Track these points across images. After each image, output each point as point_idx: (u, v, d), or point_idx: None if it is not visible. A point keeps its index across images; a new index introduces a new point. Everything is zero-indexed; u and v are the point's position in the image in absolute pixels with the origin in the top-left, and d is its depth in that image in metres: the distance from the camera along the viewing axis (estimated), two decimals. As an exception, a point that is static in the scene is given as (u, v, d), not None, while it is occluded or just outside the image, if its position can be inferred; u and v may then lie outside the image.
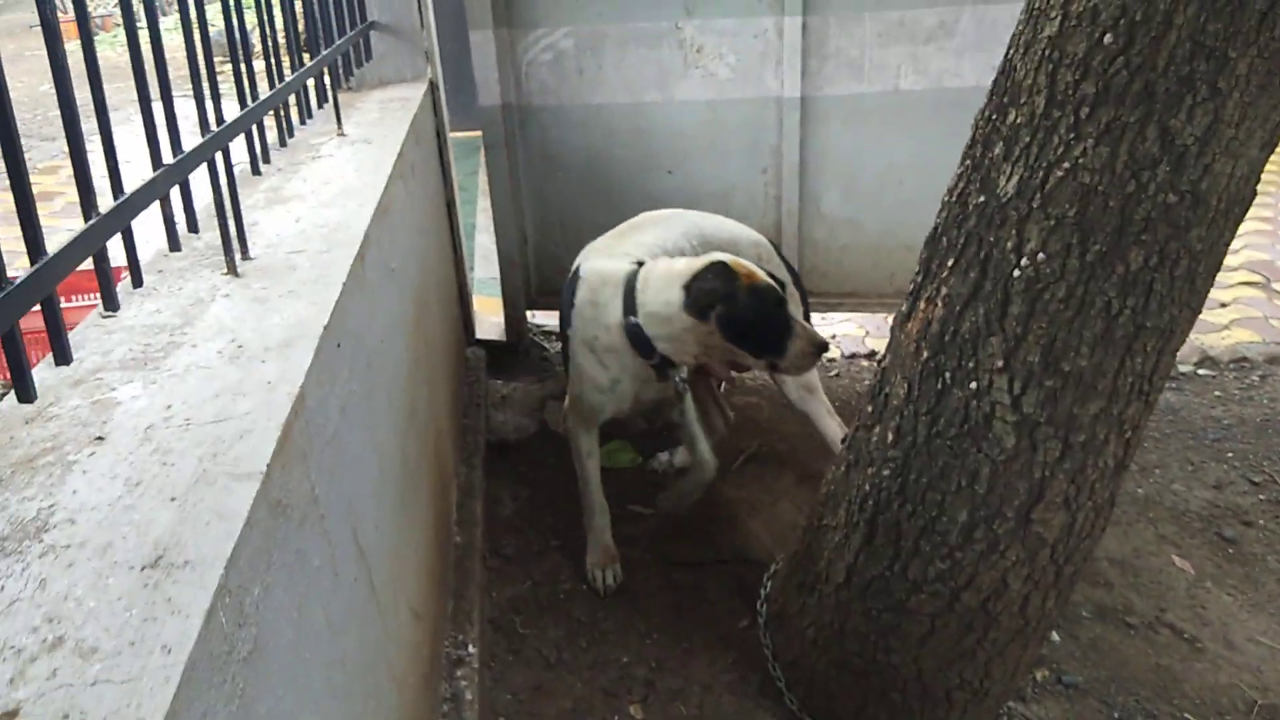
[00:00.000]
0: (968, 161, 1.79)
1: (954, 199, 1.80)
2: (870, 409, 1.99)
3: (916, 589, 1.90)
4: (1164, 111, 1.51)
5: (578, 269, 2.73)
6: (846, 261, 3.76)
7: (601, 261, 2.69)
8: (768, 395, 3.62)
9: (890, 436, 1.90)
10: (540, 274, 3.99)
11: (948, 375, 1.78)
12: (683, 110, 3.67)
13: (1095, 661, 2.45)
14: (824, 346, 2.43)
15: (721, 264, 2.43)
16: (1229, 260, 5.07)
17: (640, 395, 2.69)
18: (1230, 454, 3.38)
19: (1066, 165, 1.59)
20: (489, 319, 4.20)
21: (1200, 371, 3.97)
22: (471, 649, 2.22)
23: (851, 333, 4.53)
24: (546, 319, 4.31)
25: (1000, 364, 1.70)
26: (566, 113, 3.70)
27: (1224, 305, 4.61)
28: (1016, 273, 1.67)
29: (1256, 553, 2.86)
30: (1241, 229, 5.27)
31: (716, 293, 2.38)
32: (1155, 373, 1.68)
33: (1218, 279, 4.82)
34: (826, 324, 4.60)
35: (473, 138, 4.64)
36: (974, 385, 1.74)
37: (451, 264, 3.53)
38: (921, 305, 1.86)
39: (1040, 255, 1.64)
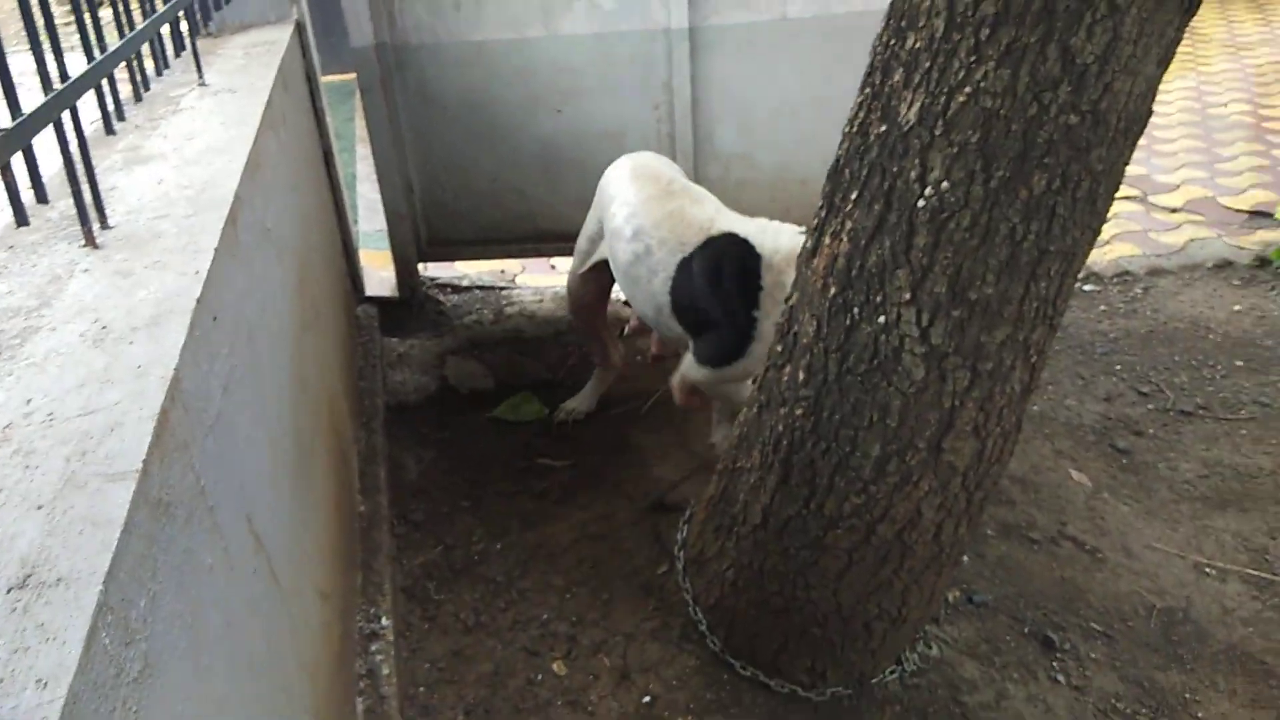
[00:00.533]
0: (867, 90, 1.74)
1: (855, 129, 1.76)
2: (780, 348, 1.96)
3: (833, 525, 1.90)
4: (1064, 30, 1.49)
5: (745, 242, 2.47)
6: (743, 198, 3.71)
7: (770, 235, 2.48)
8: (671, 336, 3.58)
9: (801, 375, 1.88)
10: (430, 224, 3.84)
11: (856, 310, 1.76)
12: (569, 45, 3.54)
13: (1003, 579, 2.52)
14: None
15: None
16: (1105, 177, 5.24)
17: None
18: (1118, 366, 3.51)
19: (968, 90, 1.56)
20: (378, 274, 4.04)
21: (1086, 287, 4.10)
22: (385, 621, 2.15)
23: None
24: (440, 271, 4.17)
25: (908, 296, 1.69)
26: (445, 51, 3.53)
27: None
28: (921, 203, 1.64)
29: (1149, 461, 2.98)
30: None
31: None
32: (1059, 296, 1.69)
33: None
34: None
35: (347, 81, 4.41)
36: (882, 319, 1.72)
37: (333, 218, 3.35)
38: (826, 240, 1.82)
39: (944, 184, 1.61)
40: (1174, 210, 4.83)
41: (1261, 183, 4.97)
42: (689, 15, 3.45)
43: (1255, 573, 2.52)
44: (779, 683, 2.14)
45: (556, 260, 4.47)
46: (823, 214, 1.85)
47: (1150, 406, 3.26)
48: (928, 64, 1.61)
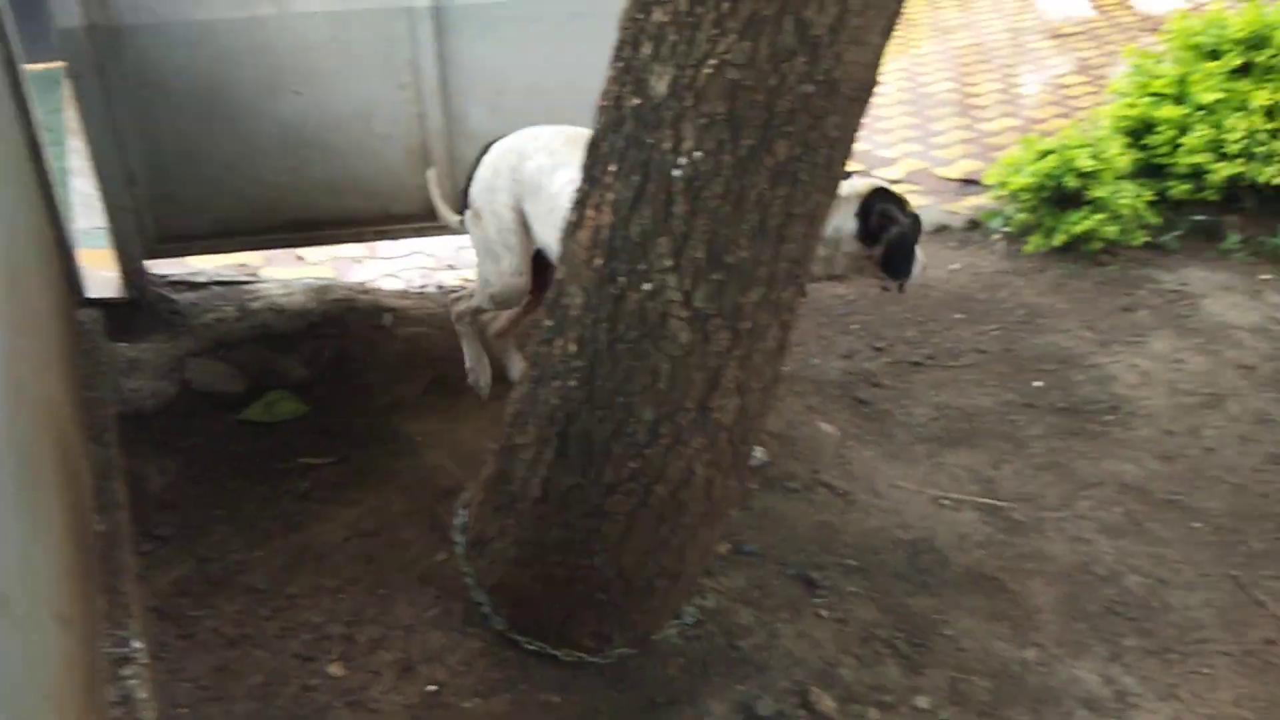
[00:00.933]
0: (619, 64, 1.77)
1: (610, 103, 1.79)
2: (550, 322, 1.97)
3: (612, 491, 1.93)
4: (798, 3, 1.58)
5: None
6: (498, 177, 3.68)
7: None
8: (437, 325, 3.51)
9: (573, 347, 1.89)
10: (158, 218, 3.52)
11: (622, 280, 1.79)
12: (304, 23, 3.36)
13: (767, 528, 2.66)
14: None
15: (885, 189, 2.63)
16: (835, 153, 5.62)
17: None
18: (855, 325, 3.78)
19: (714, 62, 1.62)
20: (101, 274, 3.67)
21: (824, 255, 4.38)
22: (136, 644, 1.97)
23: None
24: (173, 268, 3.85)
25: (670, 263, 1.74)
26: (168, 31, 3.25)
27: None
28: (676, 172, 1.69)
29: (887, 409, 3.24)
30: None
31: (892, 219, 2.57)
32: (805, 257, 1.80)
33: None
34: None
35: (52, 70, 3.96)
36: (648, 286, 1.77)
37: (45, 216, 3.01)
38: (590, 213, 1.84)
39: (697, 153, 1.67)
40: (895, 183, 5.26)
41: (969, 154, 5.50)
42: (431, -7, 3.37)
43: (985, 500, 2.80)
44: (566, 652, 2.16)
45: (305, 251, 4.25)
46: (585, 187, 1.87)
47: (885, 360, 3.54)
48: (674, 37, 1.66)
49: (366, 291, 3.84)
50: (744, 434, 1.93)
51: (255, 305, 3.71)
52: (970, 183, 5.11)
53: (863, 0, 1.60)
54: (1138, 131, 4.52)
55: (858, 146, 5.03)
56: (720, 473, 1.95)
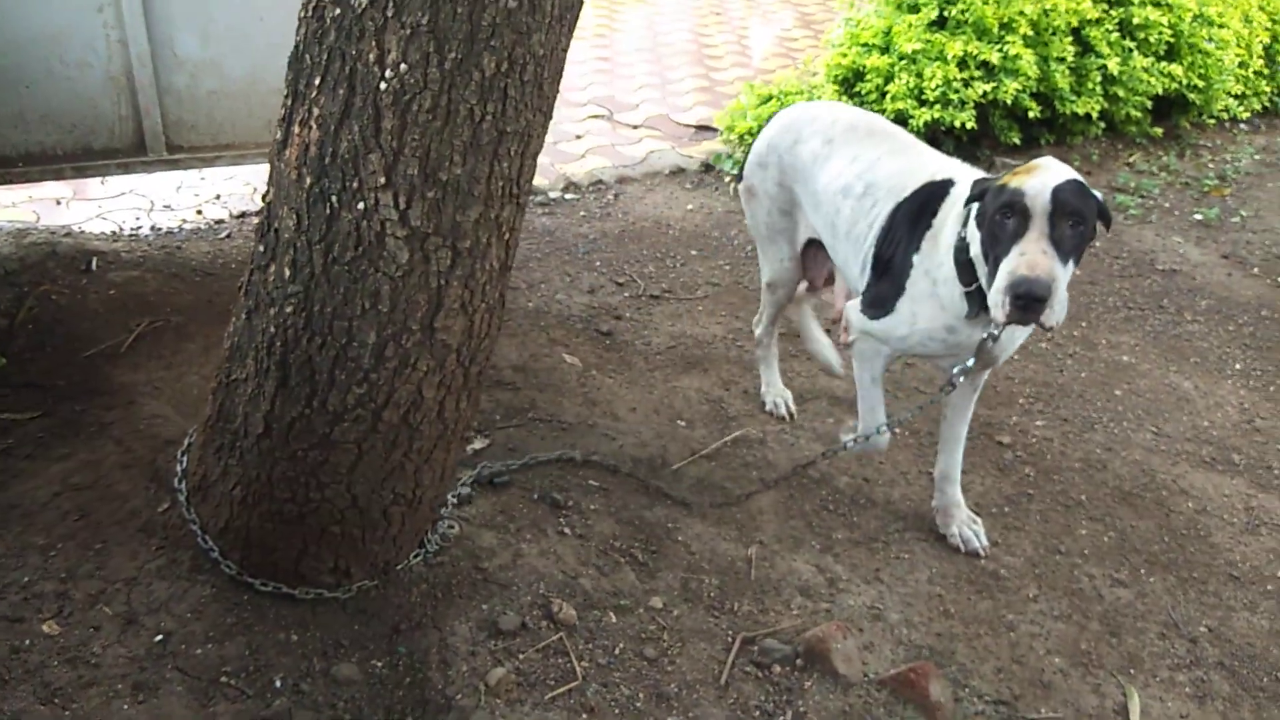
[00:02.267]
0: (324, -28, 1.71)
1: (310, 13, 1.73)
2: (261, 248, 1.89)
3: (339, 419, 1.90)
4: (495, -82, 1.59)
5: (948, 183, 2.36)
6: (217, 111, 3.47)
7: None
8: (151, 268, 3.28)
9: (287, 272, 1.83)
10: None
11: (334, 199, 1.75)
12: (-26, -66, 3.00)
13: (512, 456, 2.71)
14: None
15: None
16: (578, 96, 5.70)
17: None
18: (598, 263, 3.88)
19: (414, -28, 1.61)
20: None
21: (567, 196, 4.46)
22: None
23: (238, 191, 4.25)
24: None
25: (383, 180, 1.72)
26: None
27: (579, 137, 5.19)
28: (383, 85, 1.67)
29: (627, 340, 3.36)
30: (584, 68, 5.89)
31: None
32: (521, 176, 1.83)
33: (570, 114, 5.36)
34: (209, 183, 4.26)
35: None
36: (362, 205, 1.74)
37: None
38: (296, 130, 1.78)
39: (403, 65, 1.65)
40: (635, 127, 5.40)
41: (704, 101, 5.72)
42: (127, -95, 3.09)
43: (714, 418, 2.98)
44: (304, 590, 2.12)
45: (4, 191, 3.83)
46: (289, 103, 1.80)
47: (626, 294, 3.67)
48: (373, -53, 1.62)
49: (70, 235, 3.52)
50: (473, 354, 1.94)
51: (-65, 253, 3.32)
52: (705, 128, 5.33)
53: (561, -82, 1.64)
54: (849, 80, 4.87)
55: (601, 91, 5.11)
56: (451, 394, 1.96)
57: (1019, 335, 2.37)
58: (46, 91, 3.26)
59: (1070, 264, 2.00)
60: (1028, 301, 1.92)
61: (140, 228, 3.64)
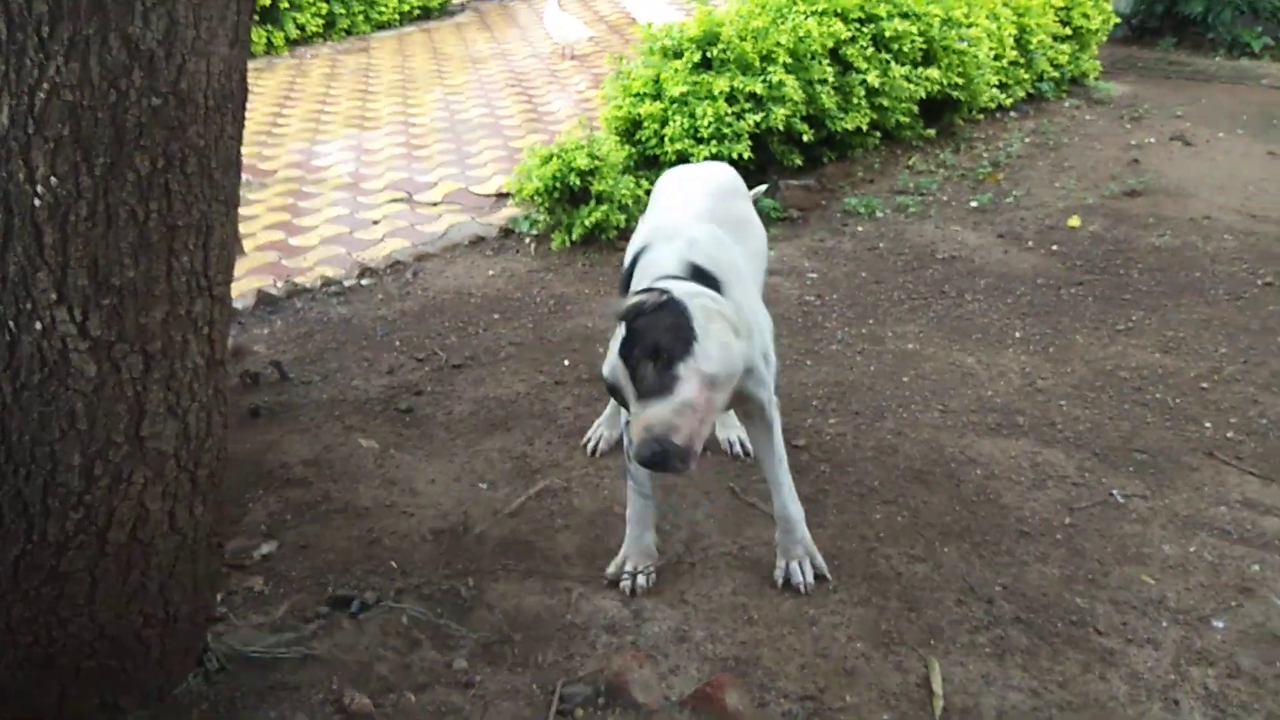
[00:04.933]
0: (-38, 100, 1.67)
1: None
2: (-47, 388, 1.81)
3: (63, 549, 1.81)
4: (120, 19, 1.58)
5: None
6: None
7: None
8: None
9: (-23, 410, 1.75)
10: None
11: (12, 324, 1.69)
12: None
13: (306, 556, 2.63)
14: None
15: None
16: (374, 184, 5.69)
17: None
18: (398, 342, 3.85)
19: (47, 86, 1.59)
20: None
21: (363, 282, 4.42)
22: None
23: None
24: None
25: (55, 296, 1.67)
26: None
27: (376, 222, 5.17)
28: (38, 202, 1.63)
29: (429, 414, 3.33)
30: (381, 154, 5.91)
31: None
32: (209, 268, 1.80)
33: (367, 200, 5.33)
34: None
35: None
36: (39, 325, 1.68)
37: None
38: (-38, 261, 1.72)
39: (53, 179, 1.62)
40: (435, 204, 5.42)
41: (502, 170, 5.79)
42: None
43: (518, 474, 2.97)
44: (73, 736, 2.00)
45: None
46: (-46, 236, 1.74)
47: (427, 368, 3.64)
48: (3, 67, 1.59)
49: None
50: (195, 457, 1.89)
51: None
52: (503, 196, 5.39)
53: (193, 13, 1.64)
54: (628, 129, 5.02)
55: (397, 175, 5.12)
56: (180, 502, 1.89)
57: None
58: None
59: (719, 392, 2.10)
60: (671, 465, 2.01)
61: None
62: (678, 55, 5.13)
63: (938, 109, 6.02)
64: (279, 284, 4.42)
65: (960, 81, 5.83)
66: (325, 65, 8.95)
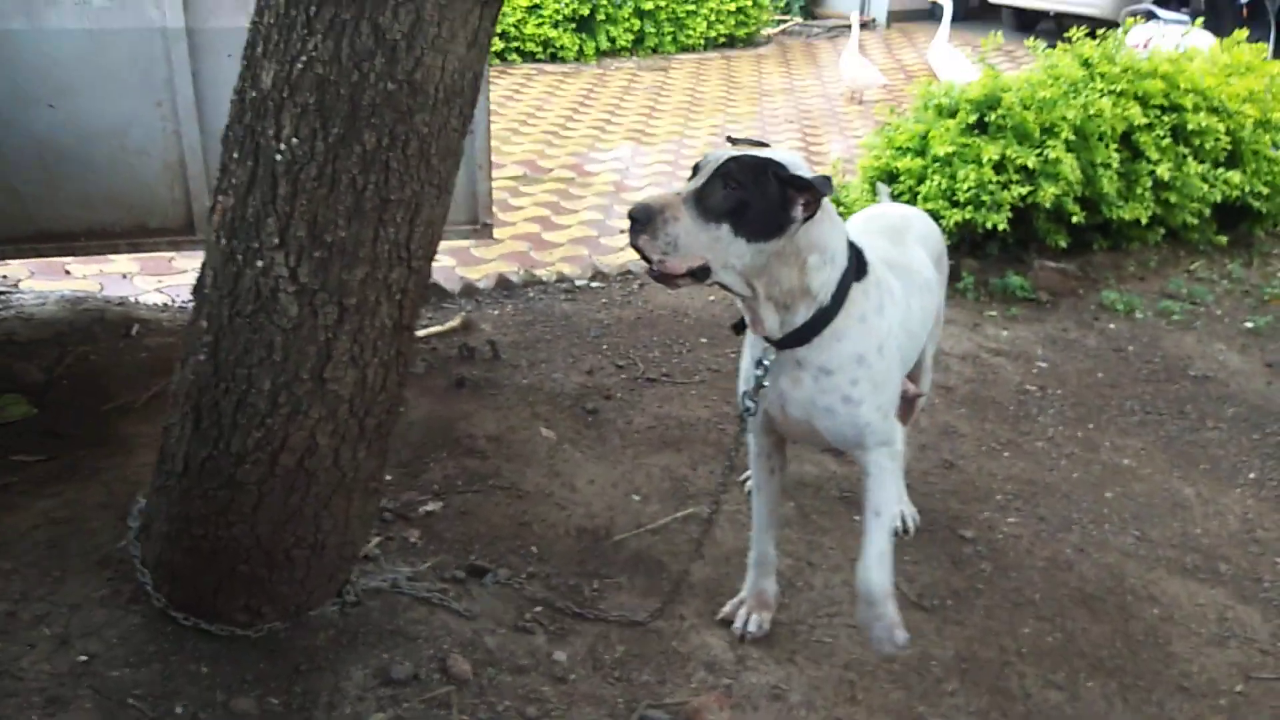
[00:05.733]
0: (244, 61, 1.95)
1: (236, 96, 1.96)
2: (194, 304, 2.11)
3: (241, 461, 2.06)
4: (374, 9, 1.79)
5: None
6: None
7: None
8: (182, 332, 3.58)
9: (204, 323, 2.03)
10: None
11: (240, 258, 1.95)
12: (57, 39, 3.46)
13: (465, 523, 2.81)
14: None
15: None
16: (634, 195, 5.94)
17: None
18: (605, 347, 4.01)
19: (305, 59, 1.82)
20: None
21: (593, 285, 4.64)
22: None
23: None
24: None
25: (277, 241, 1.91)
26: (-84, 41, 3.32)
27: (623, 231, 5.39)
28: (279, 157, 1.87)
29: (610, 418, 3.45)
30: (649, 168, 6.19)
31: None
32: (411, 240, 1.99)
33: (624, 209, 5.55)
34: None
35: None
36: (260, 263, 1.93)
37: None
38: (220, 199, 2.00)
39: (294, 140, 1.85)
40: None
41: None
42: (185, 17, 3.52)
43: (672, 494, 3.02)
44: (220, 626, 2.25)
45: (76, 265, 4.28)
46: (220, 176, 2.03)
47: (624, 376, 3.77)
48: (276, 37, 1.85)
49: (122, 304, 3.90)
50: (368, 406, 2.09)
51: (4, 314, 3.73)
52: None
53: (437, 12, 1.83)
54: (883, 182, 4.93)
55: (657, 191, 5.27)
56: (346, 443, 2.10)
57: (805, 384, 2.15)
58: (111, 176, 3.68)
59: (722, 224, 1.92)
60: (631, 219, 1.92)
61: (190, 302, 4.00)
62: (952, 115, 4.99)
63: (1235, 216, 5.46)
64: (520, 272, 4.73)
65: (1265, 191, 5.27)
66: (625, 78, 9.42)
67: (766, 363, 2.17)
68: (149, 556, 2.33)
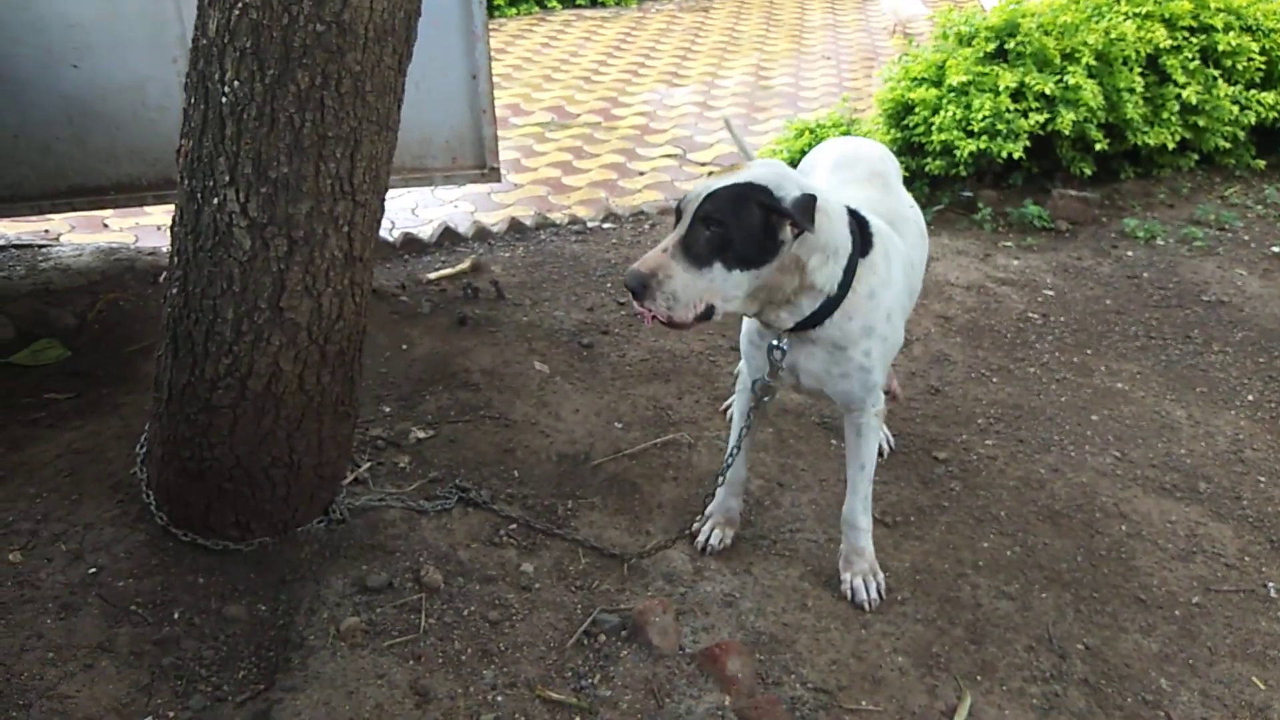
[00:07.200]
0: (198, 11, 2.08)
1: (192, 44, 2.10)
2: (170, 242, 2.27)
3: (214, 386, 2.23)
4: (301, -45, 1.90)
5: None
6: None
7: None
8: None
9: (175, 259, 2.19)
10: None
11: (199, 196, 2.10)
12: (77, 2, 3.66)
13: (453, 450, 2.96)
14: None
15: None
16: (658, 138, 5.97)
17: None
18: (609, 285, 4.11)
19: (241, 4, 1.94)
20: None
21: (604, 225, 4.72)
22: None
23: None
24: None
25: (228, 179, 2.05)
26: (-52, 9, 3.54)
27: (642, 174, 5.46)
28: (224, 99, 2.00)
29: (604, 352, 3.56)
30: (676, 110, 6.20)
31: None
32: (353, 175, 2.11)
33: (645, 152, 5.64)
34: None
35: None
36: (216, 200, 2.07)
37: None
38: (182, 141, 2.15)
39: (236, 83, 1.98)
40: (703, 165, 5.61)
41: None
42: (193, -25, 3.67)
43: (654, 423, 3.12)
44: (213, 541, 2.45)
45: (110, 217, 4.52)
46: (182, 121, 2.17)
47: (623, 313, 3.86)
48: (217, -15, 1.97)
49: (152, 254, 4.12)
50: (326, 333, 2.23)
51: (44, 266, 3.99)
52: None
53: (362, -48, 1.93)
54: (898, 113, 4.89)
55: (681, 134, 5.38)
56: (310, 369, 2.25)
57: (819, 358, 2.22)
58: (134, 132, 3.88)
59: (713, 265, 1.94)
60: (628, 290, 1.98)
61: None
62: (969, 43, 4.90)
63: (1276, 139, 5.27)
64: (534, 215, 4.84)
65: (1306, 110, 5.07)
66: (663, 20, 9.38)
67: (785, 347, 2.21)
68: (152, 478, 2.53)
